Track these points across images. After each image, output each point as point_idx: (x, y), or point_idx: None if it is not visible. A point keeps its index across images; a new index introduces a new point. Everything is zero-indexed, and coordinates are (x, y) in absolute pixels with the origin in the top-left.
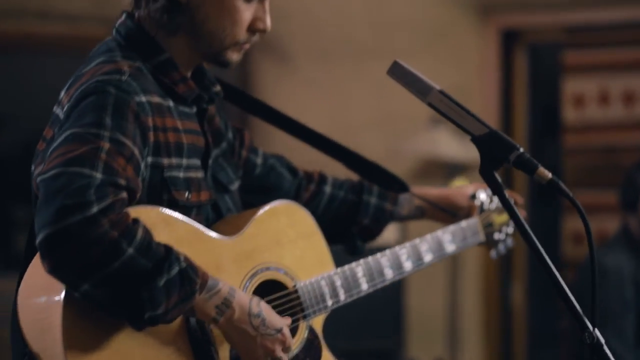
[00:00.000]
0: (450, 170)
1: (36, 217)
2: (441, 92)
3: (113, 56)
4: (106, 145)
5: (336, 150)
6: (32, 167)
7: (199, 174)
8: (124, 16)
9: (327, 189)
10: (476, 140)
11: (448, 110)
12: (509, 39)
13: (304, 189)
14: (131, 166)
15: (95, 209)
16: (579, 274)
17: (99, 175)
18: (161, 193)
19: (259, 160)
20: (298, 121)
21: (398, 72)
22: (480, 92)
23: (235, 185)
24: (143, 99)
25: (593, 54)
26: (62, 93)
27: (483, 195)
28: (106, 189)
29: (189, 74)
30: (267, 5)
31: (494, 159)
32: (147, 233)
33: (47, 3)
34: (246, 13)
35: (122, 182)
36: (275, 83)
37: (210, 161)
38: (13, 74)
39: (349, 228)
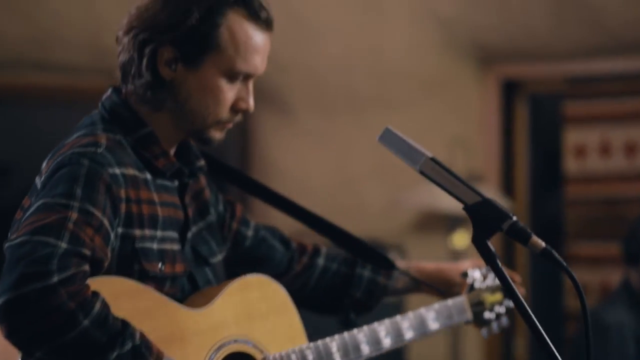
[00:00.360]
0: (450, 222)
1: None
2: (433, 160)
3: (94, 129)
4: (74, 215)
5: (321, 225)
6: (9, 235)
7: (175, 246)
8: (109, 91)
9: (320, 261)
10: (468, 209)
11: (440, 178)
12: (510, 89)
13: (297, 261)
14: (99, 236)
15: (55, 278)
16: (580, 328)
17: (63, 245)
18: (132, 264)
19: (249, 233)
20: (283, 195)
21: (389, 139)
22: (481, 143)
23: (217, 258)
24: (117, 171)
25: (594, 104)
26: (44, 163)
27: (476, 273)
28: (69, 259)
29: (171, 149)
30: (250, 85)
31: (487, 227)
32: (105, 307)
33: (45, 54)
34: (229, 93)
35: (87, 252)
36: (275, 134)
37: (189, 234)
38: (12, 125)
39: (342, 300)
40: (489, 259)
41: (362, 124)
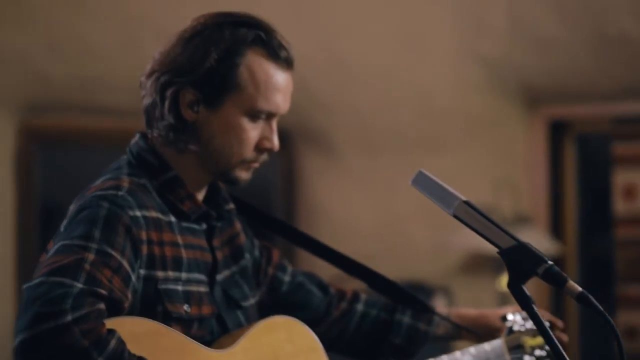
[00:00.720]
0: (497, 264)
1: (15, 323)
2: (466, 203)
3: (119, 173)
4: (91, 256)
5: (356, 269)
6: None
7: (202, 288)
8: (137, 136)
9: (359, 307)
10: (503, 253)
11: (474, 221)
12: (557, 130)
13: (335, 307)
14: (118, 277)
15: (69, 317)
16: None
17: (79, 285)
18: (155, 305)
19: (286, 278)
20: (315, 239)
21: (422, 182)
22: (528, 184)
23: (250, 302)
24: (138, 213)
25: None
26: (70, 207)
27: (516, 317)
28: (84, 298)
29: (199, 191)
30: (274, 124)
31: (522, 272)
32: (121, 344)
33: (90, 97)
34: (252, 132)
35: (103, 292)
36: (320, 175)
37: (218, 277)
38: (57, 167)
39: (381, 347)
40: (525, 304)
41: (408, 165)
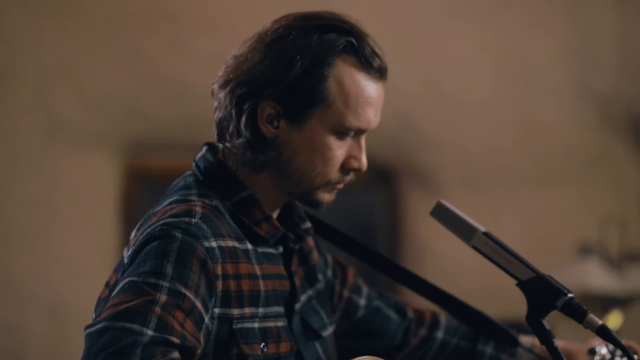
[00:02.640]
0: (603, 303)
1: None
2: (486, 235)
3: (188, 194)
4: (163, 297)
5: (437, 295)
6: (93, 316)
7: (280, 323)
8: (204, 149)
9: (440, 334)
10: (522, 286)
11: (493, 253)
12: None
13: (413, 334)
14: (191, 320)
15: None
16: None
17: (149, 332)
18: (230, 347)
19: (362, 302)
20: (396, 263)
21: (441, 214)
22: (639, 221)
23: (328, 331)
24: (213, 244)
25: None
26: (132, 234)
27: (603, 350)
28: (155, 348)
29: (274, 212)
30: (362, 142)
31: (542, 305)
32: None
33: (195, 136)
34: (339, 151)
35: (176, 340)
36: (424, 212)
37: (297, 305)
38: None
39: None
40: (544, 338)
41: (513, 202)
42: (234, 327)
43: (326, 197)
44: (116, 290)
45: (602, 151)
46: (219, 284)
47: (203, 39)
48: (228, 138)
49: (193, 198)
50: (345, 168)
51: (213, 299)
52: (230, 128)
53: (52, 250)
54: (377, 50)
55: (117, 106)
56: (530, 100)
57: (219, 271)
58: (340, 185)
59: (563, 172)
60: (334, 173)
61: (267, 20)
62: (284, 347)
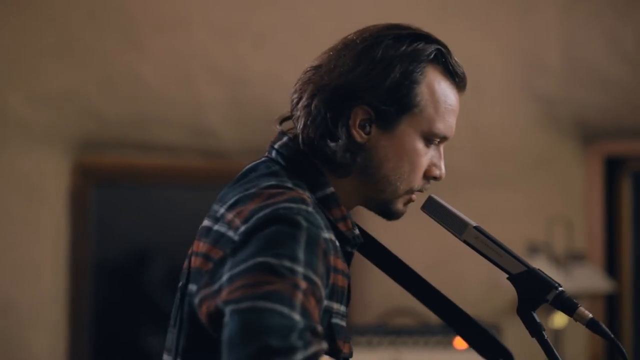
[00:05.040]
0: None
1: (228, 351)
2: (477, 229)
3: (283, 181)
4: (302, 283)
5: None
6: (194, 288)
7: (344, 323)
8: (285, 138)
9: None
10: (513, 279)
11: (484, 247)
12: (613, 167)
13: None
14: (319, 309)
15: (299, 356)
16: None
17: (297, 318)
18: (327, 342)
19: None
20: (438, 290)
21: (432, 208)
22: (584, 221)
23: None
24: (326, 235)
25: None
26: (222, 209)
27: None
28: (308, 335)
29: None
30: (442, 150)
31: (532, 298)
32: None
33: (145, 134)
34: (425, 158)
35: (319, 329)
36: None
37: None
38: (114, 205)
39: None
40: (535, 331)
41: (461, 203)
42: (332, 321)
43: (402, 208)
44: (244, 267)
45: (548, 153)
46: (332, 276)
47: (156, 38)
48: (317, 140)
49: (291, 186)
50: (426, 176)
51: (327, 289)
52: (321, 130)
53: (1, 248)
54: (458, 62)
55: (68, 104)
56: (478, 103)
57: (332, 263)
58: (415, 197)
59: (510, 173)
60: (417, 180)
61: (220, 20)
62: (347, 347)
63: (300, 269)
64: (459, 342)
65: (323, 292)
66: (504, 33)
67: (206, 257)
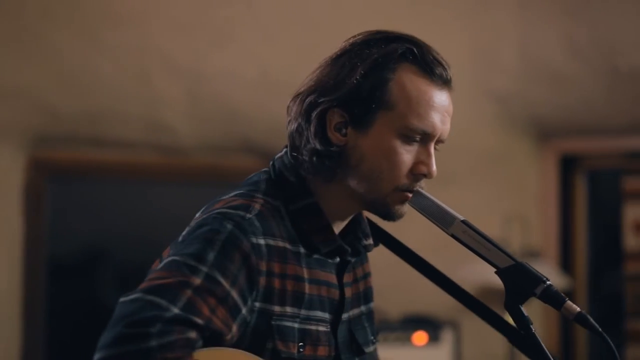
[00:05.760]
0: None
1: (100, 337)
2: (464, 223)
3: (254, 191)
4: (197, 281)
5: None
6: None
7: (322, 328)
8: (284, 150)
9: None
10: (501, 273)
11: (472, 242)
12: (568, 165)
13: None
14: (224, 308)
15: (153, 342)
16: None
17: (175, 310)
18: (265, 341)
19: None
20: (456, 283)
21: (419, 202)
22: (539, 218)
23: (370, 348)
24: (261, 241)
25: None
26: (197, 214)
27: None
28: (174, 325)
29: (339, 223)
30: (431, 148)
31: (520, 292)
32: None
33: (100, 129)
34: (405, 155)
35: (199, 321)
36: None
37: (344, 315)
38: (68, 200)
39: None
40: (522, 325)
41: None
42: (273, 322)
43: (399, 208)
44: (160, 265)
45: (504, 151)
46: (262, 280)
47: (110, 32)
48: (301, 150)
49: (257, 195)
50: (414, 174)
51: (254, 292)
52: (301, 139)
53: None
54: (439, 59)
55: (22, 99)
56: None
57: (264, 267)
58: (410, 195)
59: (466, 171)
60: (401, 178)
61: (177, 15)
62: (322, 351)
63: (204, 268)
64: (418, 338)
65: (236, 292)
66: (459, 32)
67: (160, 257)
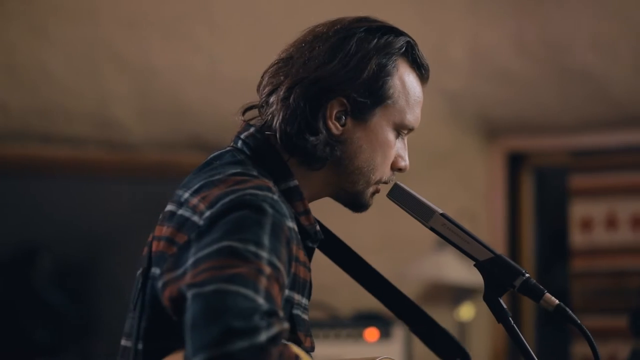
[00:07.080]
0: (456, 294)
1: (191, 333)
2: (443, 216)
3: (248, 169)
4: (267, 269)
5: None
6: (157, 271)
7: (306, 316)
8: (251, 129)
9: None
10: (480, 266)
11: (451, 234)
12: (515, 162)
13: None
14: (281, 296)
15: (264, 336)
16: None
17: (261, 301)
18: (290, 332)
19: None
20: (399, 290)
21: (399, 195)
22: (486, 216)
23: None
24: (291, 224)
25: (600, 177)
26: (187, 194)
27: None
28: (270, 317)
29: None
30: (406, 142)
31: (499, 285)
32: None
33: (49, 125)
34: (394, 149)
35: (282, 313)
36: None
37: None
38: (17, 196)
39: None
40: (501, 317)
41: None
42: (293, 312)
43: (370, 199)
44: (209, 251)
45: (452, 148)
46: (294, 266)
47: (61, 26)
48: (292, 134)
49: (256, 174)
50: (392, 167)
51: (288, 278)
52: (301, 127)
53: None
54: (423, 54)
55: None
56: None
57: (295, 252)
58: (380, 188)
59: (413, 167)
60: (387, 172)
61: (127, 10)
62: (309, 342)
63: (264, 254)
64: (370, 334)
65: (286, 280)
66: (409, 28)
67: (170, 240)
